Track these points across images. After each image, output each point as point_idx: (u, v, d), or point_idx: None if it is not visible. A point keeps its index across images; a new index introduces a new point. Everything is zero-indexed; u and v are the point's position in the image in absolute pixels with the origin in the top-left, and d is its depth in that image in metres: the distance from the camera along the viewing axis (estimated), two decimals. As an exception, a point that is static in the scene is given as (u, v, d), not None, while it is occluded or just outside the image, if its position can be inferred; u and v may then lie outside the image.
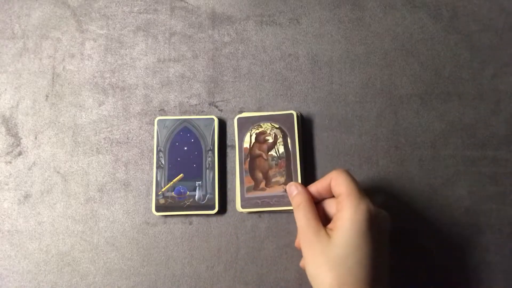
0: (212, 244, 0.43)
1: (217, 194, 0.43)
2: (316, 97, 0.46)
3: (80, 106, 0.47)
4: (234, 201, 0.44)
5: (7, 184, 0.45)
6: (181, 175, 0.43)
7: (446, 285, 0.42)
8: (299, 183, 0.39)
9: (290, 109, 0.46)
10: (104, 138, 0.46)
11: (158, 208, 0.42)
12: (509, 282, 0.42)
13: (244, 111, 0.46)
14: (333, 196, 0.37)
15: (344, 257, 0.32)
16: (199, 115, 0.46)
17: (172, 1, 0.49)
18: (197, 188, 0.43)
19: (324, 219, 0.37)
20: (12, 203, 0.44)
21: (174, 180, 0.43)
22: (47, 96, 0.47)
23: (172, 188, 0.43)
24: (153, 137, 0.46)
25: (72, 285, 0.42)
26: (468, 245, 0.43)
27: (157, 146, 0.44)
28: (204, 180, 0.43)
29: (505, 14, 0.48)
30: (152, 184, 0.44)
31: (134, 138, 0.46)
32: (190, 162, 0.43)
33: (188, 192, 0.43)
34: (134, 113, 0.46)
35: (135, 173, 0.45)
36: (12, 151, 0.46)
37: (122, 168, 0.45)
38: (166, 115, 0.46)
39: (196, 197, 0.42)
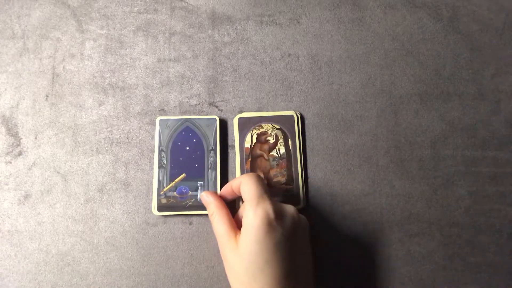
0: (212, 244, 0.43)
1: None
2: (316, 97, 0.46)
3: (80, 106, 0.47)
4: (233, 201, 0.44)
5: (7, 184, 0.45)
6: (183, 175, 0.43)
7: (446, 285, 0.42)
8: (211, 192, 0.40)
9: (290, 109, 0.46)
10: (104, 138, 0.46)
11: (160, 208, 0.42)
12: (509, 282, 0.42)
13: (244, 111, 0.46)
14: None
15: (248, 265, 0.32)
16: (199, 115, 0.46)
17: (172, 1, 0.49)
18: (199, 188, 0.43)
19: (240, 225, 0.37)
20: (12, 203, 0.44)
21: (176, 180, 0.43)
22: (47, 96, 0.47)
23: (174, 188, 0.43)
24: (153, 137, 0.46)
25: (72, 285, 0.42)
26: (467, 245, 0.43)
27: (159, 145, 0.44)
28: (206, 180, 0.43)
29: (505, 14, 0.48)
30: (152, 184, 0.44)
31: (134, 138, 0.46)
32: (192, 162, 0.43)
33: (190, 192, 0.43)
34: (134, 113, 0.46)
35: (135, 173, 0.45)
36: (12, 151, 0.46)
37: (122, 168, 0.45)
38: (166, 115, 0.46)
39: (198, 197, 0.42)
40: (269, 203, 0.34)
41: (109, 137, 0.46)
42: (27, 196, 0.44)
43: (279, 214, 0.34)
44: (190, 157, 0.43)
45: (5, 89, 0.47)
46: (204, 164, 0.43)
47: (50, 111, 0.47)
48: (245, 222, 0.34)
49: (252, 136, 0.45)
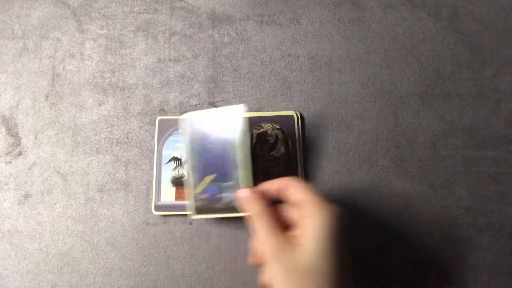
0: (212, 244, 0.43)
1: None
2: (316, 97, 0.46)
3: (80, 106, 0.47)
4: (234, 201, 0.44)
5: (7, 184, 0.45)
6: (214, 175, 0.40)
7: (446, 285, 0.42)
8: (252, 189, 0.36)
9: (290, 109, 0.46)
10: (104, 138, 0.46)
11: (199, 211, 0.40)
12: (509, 283, 0.42)
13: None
14: (279, 202, 0.36)
15: (318, 264, 0.31)
16: (199, 115, 0.46)
17: (172, 1, 0.49)
18: (229, 188, 0.39)
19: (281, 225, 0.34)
20: (12, 203, 0.44)
21: (206, 181, 0.41)
22: (47, 96, 0.47)
23: (205, 189, 0.40)
24: (153, 137, 0.46)
25: (72, 285, 0.42)
26: (468, 245, 0.43)
27: (189, 145, 0.41)
28: (236, 180, 0.39)
29: (505, 14, 0.48)
30: (152, 184, 0.44)
31: (134, 138, 0.46)
32: (223, 162, 0.40)
33: (220, 194, 0.40)
34: (134, 113, 0.46)
35: (135, 173, 0.45)
36: (12, 151, 0.46)
37: (122, 168, 0.45)
38: (166, 115, 0.46)
39: (229, 198, 0.40)
40: (334, 204, 0.33)
41: (109, 137, 0.46)
42: (27, 196, 0.44)
43: (345, 216, 0.33)
44: (220, 157, 0.40)
45: (5, 89, 0.47)
46: (233, 164, 0.41)
47: (50, 111, 0.47)
48: (313, 221, 0.32)
49: (252, 136, 0.45)
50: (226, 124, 0.38)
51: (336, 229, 0.32)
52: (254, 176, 0.39)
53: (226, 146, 0.38)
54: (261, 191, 0.36)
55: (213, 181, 0.39)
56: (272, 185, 0.36)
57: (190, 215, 0.40)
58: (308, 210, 0.33)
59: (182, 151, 0.44)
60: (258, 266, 0.35)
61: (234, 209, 0.39)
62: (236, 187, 0.38)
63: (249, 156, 0.38)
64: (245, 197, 0.36)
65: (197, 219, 0.44)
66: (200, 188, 0.39)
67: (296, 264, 0.31)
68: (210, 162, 0.39)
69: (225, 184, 0.38)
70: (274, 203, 0.36)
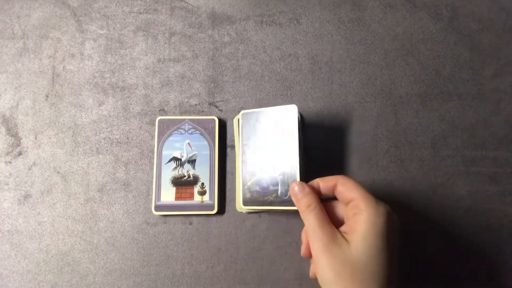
0: (212, 244, 0.43)
1: (216, 194, 0.43)
2: (316, 97, 0.46)
3: (80, 106, 0.47)
4: (233, 201, 0.44)
5: (7, 184, 0.45)
6: (266, 170, 0.41)
7: (446, 285, 0.42)
8: (305, 182, 0.37)
9: (290, 109, 0.46)
10: (104, 138, 0.46)
11: (246, 202, 0.41)
12: (509, 283, 0.42)
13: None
14: (333, 198, 0.36)
15: (367, 262, 0.31)
16: (199, 115, 0.46)
17: (172, 1, 0.49)
18: (279, 183, 0.40)
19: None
20: (12, 203, 0.44)
21: (259, 175, 0.41)
22: (47, 96, 0.47)
23: (257, 182, 0.41)
24: (153, 137, 0.46)
25: (72, 285, 0.42)
26: (468, 245, 0.43)
27: (241, 140, 0.42)
28: (286, 174, 0.41)
29: (505, 14, 0.48)
30: (152, 184, 0.44)
31: (134, 138, 0.46)
32: (275, 158, 0.41)
33: (271, 187, 0.41)
34: (134, 113, 0.46)
35: (135, 173, 0.45)
36: (12, 151, 0.46)
37: (122, 168, 0.45)
38: (166, 115, 0.46)
39: (279, 192, 0.41)
40: (383, 203, 0.33)
41: (109, 137, 0.46)
42: (27, 196, 0.44)
43: (392, 215, 0.33)
44: (273, 153, 0.41)
45: (5, 89, 0.47)
46: (286, 160, 0.42)
47: (50, 111, 0.47)
48: (363, 219, 0.32)
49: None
50: (280, 122, 0.41)
51: (385, 228, 0.32)
52: (303, 171, 0.41)
53: (279, 143, 0.41)
54: (312, 186, 0.36)
55: (265, 174, 0.41)
56: (323, 182, 0.36)
57: (238, 207, 0.42)
58: (358, 208, 0.33)
59: (182, 151, 0.44)
60: (309, 258, 0.37)
61: (283, 203, 0.39)
62: (288, 181, 0.40)
63: (301, 152, 0.41)
64: (297, 190, 0.36)
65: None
66: (252, 181, 0.41)
67: (344, 259, 0.31)
68: (262, 157, 0.41)
69: (278, 178, 0.40)
70: (325, 200, 0.36)
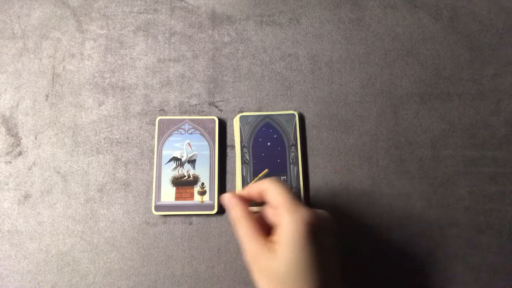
0: (212, 244, 0.43)
1: (216, 194, 0.43)
2: (316, 97, 0.46)
3: (80, 106, 0.47)
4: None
5: (7, 184, 0.45)
6: (266, 170, 0.43)
7: (446, 285, 0.42)
8: (232, 193, 0.36)
9: (290, 109, 0.46)
10: (104, 138, 0.46)
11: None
12: (509, 283, 0.42)
13: (244, 111, 0.46)
14: (263, 203, 0.36)
15: (288, 273, 0.31)
16: (199, 115, 0.46)
17: (172, 1, 0.49)
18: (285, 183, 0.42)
19: (263, 228, 0.35)
20: (12, 203, 0.44)
21: (260, 175, 0.43)
22: (47, 96, 0.47)
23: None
24: (153, 137, 0.46)
25: (72, 285, 0.42)
26: (468, 245, 0.43)
27: (241, 142, 0.44)
28: (288, 174, 0.43)
29: (505, 14, 0.48)
30: (152, 184, 0.44)
31: (134, 138, 0.46)
32: (274, 157, 0.43)
33: None
34: (134, 113, 0.46)
35: (135, 173, 0.45)
36: (12, 151, 0.46)
37: (122, 168, 0.45)
38: (166, 115, 0.46)
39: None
40: (306, 209, 0.33)
41: (109, 137, 0.46)
42: (27, 196, 0.44)
43: (317, 220, 0.33)
44: (272, 153, 0.44)
45: (5, 89, 0.47)
46: (286, 159, 0.43)
47: (50, 111, 0.47)
48: (284, 230, 0.32)
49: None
50: (280, 126, 0.44)
51: (306, 237, 0.31)
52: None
53: (280, 145, 0.43)
54: (242, 195, 0.36)
55: (265, 175, 0.43)
56: (254, 188, 0.36)
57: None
58: (280, 215, 0.33)
59: (182, 151, 0.44)
60: None
61: None
62: (288, 182, 0.43)
63: (300, 154, 0.44)
64: (226, 202, 0.36)
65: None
66: (254, 181, 0.43)
67: (272, 271, 0.32)
68: (262, 158, 0.43)
69: (281, 178, 0.43)
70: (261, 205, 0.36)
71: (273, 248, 0.32)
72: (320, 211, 0.34)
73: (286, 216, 0.32)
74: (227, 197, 0.36)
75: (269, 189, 0.34)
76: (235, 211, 0.35)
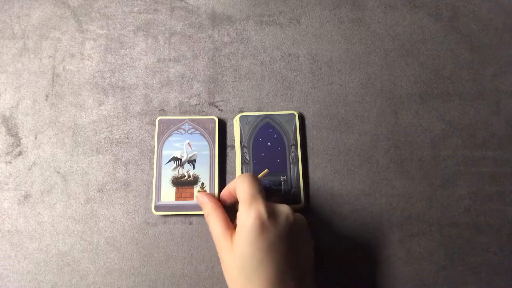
0: (212, 244, 0.43)
1: (216, 195, 0.43)
2: (316, 97, 0.46)
3: (80, 106, 0.47)
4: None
5: (7, 184, 0.45)
6: (266, 170, 0.43)
7: (446, 285, 0.42)
8: (206, 193, 0.40)
9: (290, 109, 0.46)
10: (104, 138, 0.46)
11: None
12: (509, 282, 0.42)
13: (244, 111, 0.46)
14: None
15: (241, 266, 0.32)
16: (199, 115, 0.46)
17: (172, 1, 0.49)
18: (282, 183, 0.42)
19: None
20: (12, 203, 0.44)
21: (260, 175, 0.43)
22: (47, 96, 0.47)
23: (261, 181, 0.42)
24: (153, 137, 0.46)
25: (72, 285, 0.42)
26: (467, 245, 0.43)
27: (241, 142, 0.44)
28: (288, 174, 0.43)
29: (505, 14, 0.48)
30: (152, 184, 0.44)
31: (134, 138, 0.46)
32: (274, 157, 0.43)
33: (274, 187, 0.42)
34: (134, 113, 0.46)
35: (135, 173, 0.45)
36: (12, 151, 0.46)
37: (122, 168, 0.45)
38: (166, 115, 0.46)
39: (282, 192, 0.42)
40: (262, 203, 0.33)
41: (109, 137, 0.46)
42: (27, 196, 0.44)
43: (271, 214, 0.33)
44: (272, 153, 0.44)
45: (5, 89, 0.47)
46: (286, 159, 0.43)
47: (50, 111, 0.47)
48: (238, 223, 0.34)
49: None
50: (280, 126, 0.44)
51: (256, 231, 0.32)
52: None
53: (280, 145, 0.43)
54: (220, 196, 0.40)
55: (265, 175, 0.43)
56: (229, 187, 0.38)
57: (238, 206, 0.43)
58: (239, 211, 0.34)
59: (182, 151, 0.44)
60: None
61: (287, 202, 0.40)
62: (288, 181, 0.43)
63: (300, 154, 0.44)
64: (199, 200, 0.40)
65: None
66: None
67: (231, 266, 0.33)
68: (262, 158, 0.43)
69: (281, 178, 0.43)
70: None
71: (232, 244, 0.34)
72: (281, 206, 0.35)
73: (241, 212, 0.34)
74: (199, 196, 0.40)
75: (237, 185, 0.36)
76: (206, 208, 0.38)
